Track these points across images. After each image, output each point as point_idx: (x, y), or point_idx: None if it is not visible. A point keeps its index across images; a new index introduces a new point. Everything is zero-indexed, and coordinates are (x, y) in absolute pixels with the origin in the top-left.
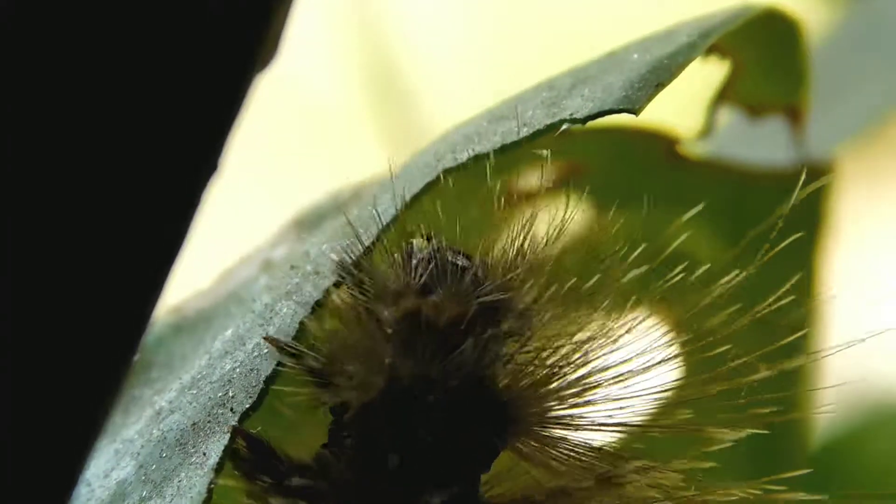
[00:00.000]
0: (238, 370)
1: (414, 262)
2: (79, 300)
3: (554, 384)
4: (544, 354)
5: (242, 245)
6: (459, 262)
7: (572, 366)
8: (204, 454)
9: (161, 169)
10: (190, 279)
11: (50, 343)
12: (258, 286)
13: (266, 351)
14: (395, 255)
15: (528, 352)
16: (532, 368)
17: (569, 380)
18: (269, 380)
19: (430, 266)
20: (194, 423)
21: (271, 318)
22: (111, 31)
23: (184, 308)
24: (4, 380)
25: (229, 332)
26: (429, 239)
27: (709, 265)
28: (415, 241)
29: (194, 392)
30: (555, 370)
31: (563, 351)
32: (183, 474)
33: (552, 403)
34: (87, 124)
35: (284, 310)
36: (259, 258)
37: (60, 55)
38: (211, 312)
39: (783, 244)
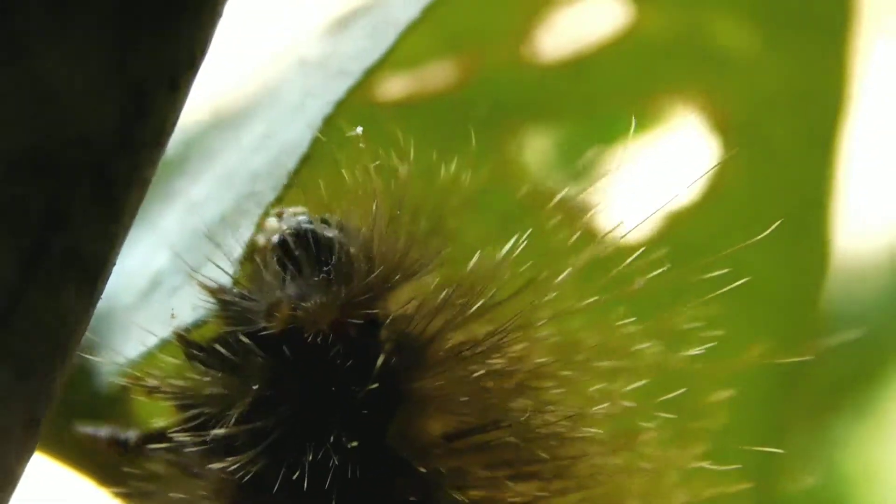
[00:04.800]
0: (266, 166)
1: (278, 254)
2: None
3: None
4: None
5: (279, 41)
6: (328, 235)
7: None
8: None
9: None
10: (228, 75)
11: None
12: (291, 83)
13: (293, 148)
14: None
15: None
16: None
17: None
18: (293, 175)
19: (298, 255)
20: (223, 216)
21: (300, 114)
22: None
23: (221, 103)
24: None
25: (261, 127)
26: (280, 216)
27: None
28: (267, 226)
29: (226, 185)
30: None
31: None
32: (211, 266)
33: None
34: None
35: (313, 107)
36: (294, 55)
37: None
38: (246, 107)
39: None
